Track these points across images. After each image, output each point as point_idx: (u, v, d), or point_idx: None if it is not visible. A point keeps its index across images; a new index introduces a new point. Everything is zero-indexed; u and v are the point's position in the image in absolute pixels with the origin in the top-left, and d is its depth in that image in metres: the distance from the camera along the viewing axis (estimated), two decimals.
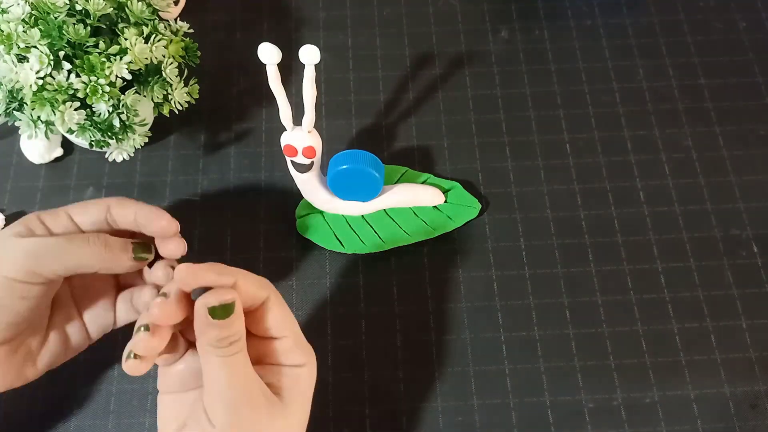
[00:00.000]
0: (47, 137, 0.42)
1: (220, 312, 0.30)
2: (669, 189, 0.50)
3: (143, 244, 0.36)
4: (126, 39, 0.41)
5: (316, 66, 0.37)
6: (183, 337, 0.34)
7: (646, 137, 0.51)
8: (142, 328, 0.30)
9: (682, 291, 0.46)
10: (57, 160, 0.50)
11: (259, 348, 0.33)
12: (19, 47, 0.40)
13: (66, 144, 0.50)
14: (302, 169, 0.44)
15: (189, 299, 0.31)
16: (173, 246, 0.36)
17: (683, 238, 0.48)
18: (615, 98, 0.53)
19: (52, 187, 0.49)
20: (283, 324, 0.33)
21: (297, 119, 0.41)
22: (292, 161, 0.43)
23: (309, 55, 0.36)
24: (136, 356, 0.30)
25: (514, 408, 0.43)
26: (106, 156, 0.46)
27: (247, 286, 0.31)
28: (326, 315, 0.45)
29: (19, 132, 0.42)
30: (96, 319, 0.38)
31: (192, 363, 0.33)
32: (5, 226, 0.47)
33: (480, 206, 0.48)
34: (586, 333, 0.45)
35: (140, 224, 0.36)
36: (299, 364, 0.33)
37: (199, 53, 0.46)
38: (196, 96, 0.46)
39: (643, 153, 0.51)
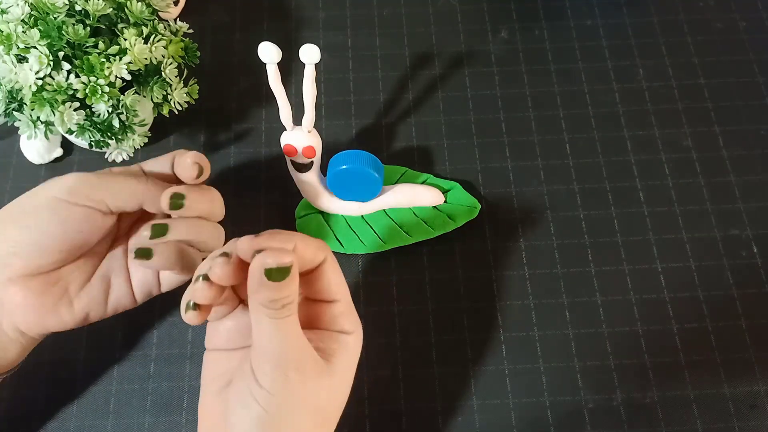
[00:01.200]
0: (47, 137, 0.42)
1: (276, 274, 0.29)
2: (669, 189, 0.50)
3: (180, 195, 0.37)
4: (125, 39, 0.41)
5: (316, 66, 0.37)
6: (234, 293, 0.34)
7: (646, 137, 0.51)
8: (201, 278, 0.31)
9: (682, 291, 0.46)
10: (57, 160, 0.50)
11: (310, 311, 0.34)
12: (18, 47, 0.40)
13: (66, 144, 0.50)
14: (302, 168, 0.44)
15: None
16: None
17: (683, 238, 0.48)
18: (615, 98, 0.53)
19: None
20: (336, 288, 0.33)
21: (297, 119, 0.41)
22: (291, 161, 0.43)
23: (309, 54, 0.36)
24: (195, 306, 0.31)
25: (514, 408, 0.43)
26: (106, 156, 0.46)
27: (305, 250, 0.31)
28: None
29: (19, 132, 0.42)
30: (143, 279, 0.39)
31: (241, 320, 0.33)
32: None
33: (480, 206, 0.48)
34: (586, 333, 0.45)
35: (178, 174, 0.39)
36: (348, 331, 0.33)
37: (198, 53, 0.46)
38: (196, 96, 0.46)
39: (642, 153, 0.51)
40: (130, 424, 0.42)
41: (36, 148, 0.49)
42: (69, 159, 0.50)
